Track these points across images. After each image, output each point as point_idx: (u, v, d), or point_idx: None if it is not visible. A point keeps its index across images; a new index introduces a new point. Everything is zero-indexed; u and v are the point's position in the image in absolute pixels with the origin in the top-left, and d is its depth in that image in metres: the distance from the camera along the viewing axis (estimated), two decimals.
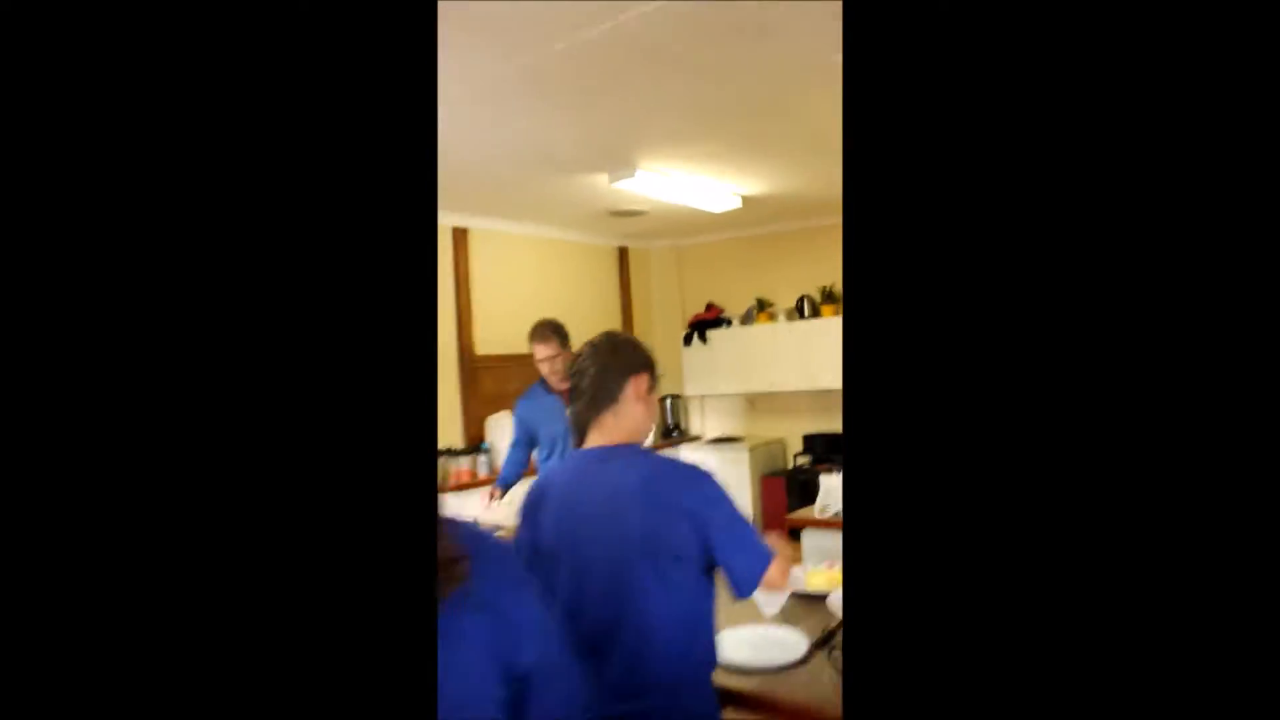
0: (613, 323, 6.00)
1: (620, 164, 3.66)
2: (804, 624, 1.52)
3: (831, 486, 2.60)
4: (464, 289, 4.82)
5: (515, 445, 2.98)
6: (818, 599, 1.62)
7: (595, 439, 1.20)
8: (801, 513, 2.73)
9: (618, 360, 1.21)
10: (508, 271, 5.07)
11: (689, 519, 1.12)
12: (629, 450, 1.19)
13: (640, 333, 6.20)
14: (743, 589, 1.17)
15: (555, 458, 2.80)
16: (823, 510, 2.60)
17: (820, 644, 1.38)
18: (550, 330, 2.73)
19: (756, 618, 1.54)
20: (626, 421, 1.21)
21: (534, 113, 2.92)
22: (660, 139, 3.33)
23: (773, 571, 1.18)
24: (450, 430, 4.71)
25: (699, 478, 1.18)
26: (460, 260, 4.81)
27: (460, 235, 4.82)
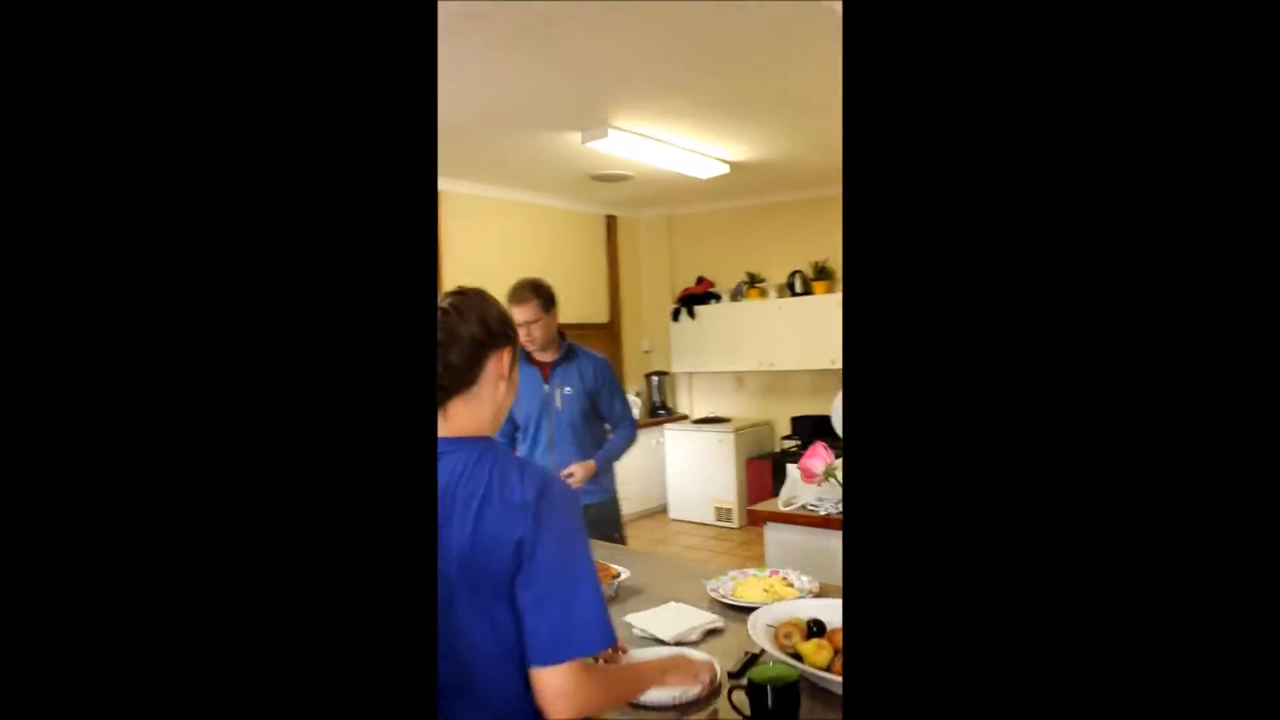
0: (599, 295, 5.76)
1: (592, 121, 3.40)
2: (721, 646, 1.30)
3: (798, 477, 2.36)
4: (436, 256, 4.59)
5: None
6: (746, 613, 1.39)
7: (439, 429, 0.96)
8: (766, 504, 2.50)
9: (474, 330, 0.93)
10: (485, 237, 4.83)
11: (513, 547, 0.86)
12: (472, 445, 0.93)
13: (628, 306, 5.97)
14: (535, 656, 0.85)
15: (538, 446, 2.41)
16: (788, 503, 2.37)
17: (736, 674, 1.16)
18: (530, 290, 2.27)
19: (669, 624, 1.32)
20: (484, 408, 0.95)
21: (500, 64, 2.67)
22: (631, 94, 3.07)
23: (592, 686, 0.85)
24: None
25: (542, 496, 0.88)
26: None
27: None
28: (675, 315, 5.68)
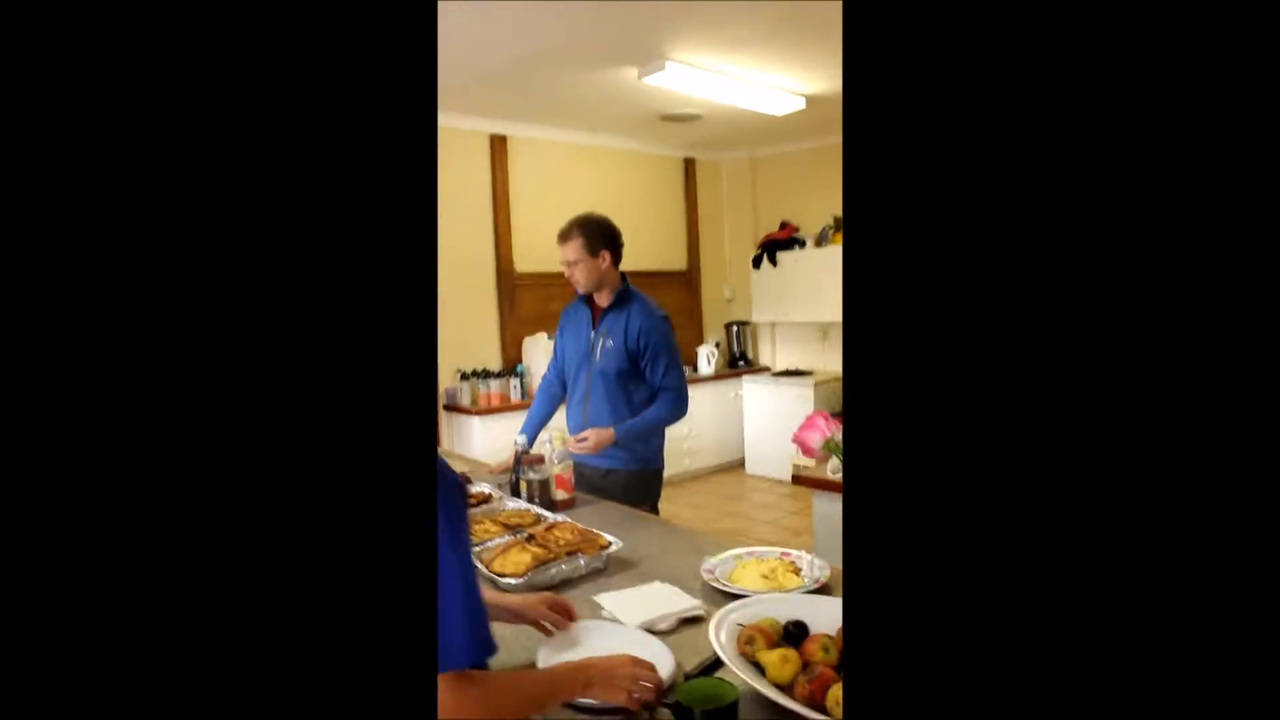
0: (676, 242, 5.55)
1: (648, 55, 3.17)
2: (694, 640, 1.15)
3: None
4: (502, 201, 4.52)
5: (548, 370, 2.37)
6: (734, 600, 1.23)
7: None
8: (814, 471, 2.30)
9: None
10: (553, 182, 4.71)
11: None
12: None
13: (709, 253, 5.74)
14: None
15: (575, 396, 2.22)
16: (837, 470, 2.16)
17: (695, 676, 1.02)
18: (576, 228, 2.06)
19: (641, 607, 1.18)
20: None
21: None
22: (687, 23, 2.81)
23: (465, 703, 0.74)
24: (487, 351, 4.51)
25: None
26: (498, 170, 4.49)
27: (499, 143, 4.49)
28: (756, 262, 5.41)
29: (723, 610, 1.09)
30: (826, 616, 1.09)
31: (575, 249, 2.07)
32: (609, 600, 1.25)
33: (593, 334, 2.18)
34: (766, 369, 5.57)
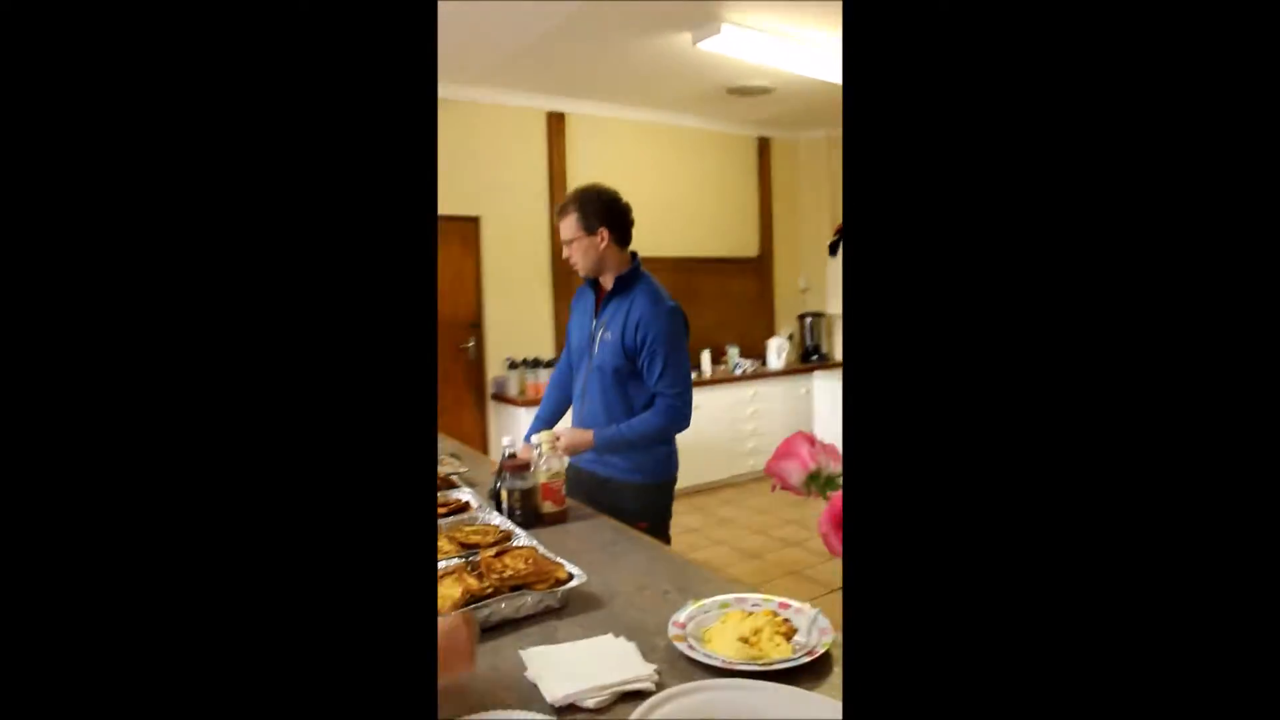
0: (747, 227, 5.22)
1: (700, 15, 2.88)
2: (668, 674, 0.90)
3: None
4: (559, 182, 4.32)
5: (560, 360, 2.12)
6: (706, 671, 0.97)
7: None
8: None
9: None
10: (615, 162, 4.48)
11: None
12: None
13: (783, 239, 5.38)
14: None
15: (575, 389, 1.96)
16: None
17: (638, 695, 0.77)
18: (572, 203, 1.82)
19: (572, 671, 0.94)
20: None
21: None
22: None
23: None
24: (540, 340, 4.35)
25: None
26: (555, 149, 4.30)
27: (556, 121, 4.29)
28: (833, 250, 5.02)
29: (653, 699, 0.83)
30: (791, 711, 0.81)
31: (571, 226, 1.81)
32: (535, 659, 1.00)
33: (594, 323, 1.90)
34: (841, 364, 5.18)
